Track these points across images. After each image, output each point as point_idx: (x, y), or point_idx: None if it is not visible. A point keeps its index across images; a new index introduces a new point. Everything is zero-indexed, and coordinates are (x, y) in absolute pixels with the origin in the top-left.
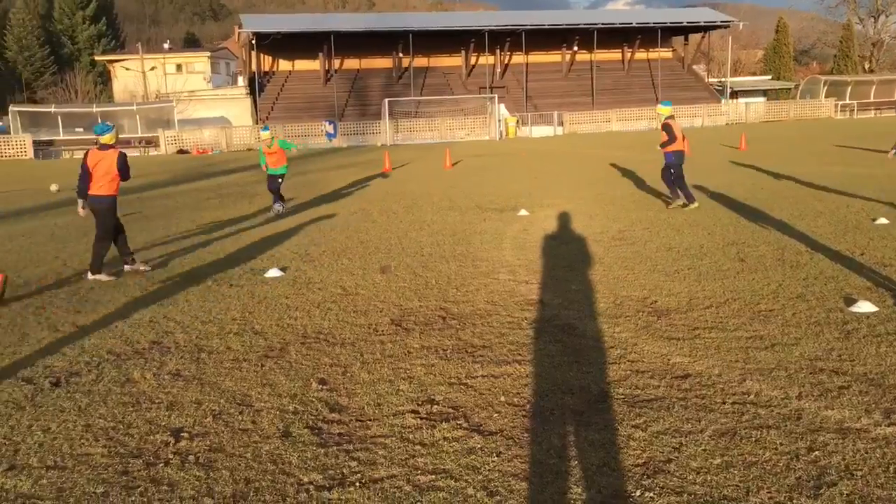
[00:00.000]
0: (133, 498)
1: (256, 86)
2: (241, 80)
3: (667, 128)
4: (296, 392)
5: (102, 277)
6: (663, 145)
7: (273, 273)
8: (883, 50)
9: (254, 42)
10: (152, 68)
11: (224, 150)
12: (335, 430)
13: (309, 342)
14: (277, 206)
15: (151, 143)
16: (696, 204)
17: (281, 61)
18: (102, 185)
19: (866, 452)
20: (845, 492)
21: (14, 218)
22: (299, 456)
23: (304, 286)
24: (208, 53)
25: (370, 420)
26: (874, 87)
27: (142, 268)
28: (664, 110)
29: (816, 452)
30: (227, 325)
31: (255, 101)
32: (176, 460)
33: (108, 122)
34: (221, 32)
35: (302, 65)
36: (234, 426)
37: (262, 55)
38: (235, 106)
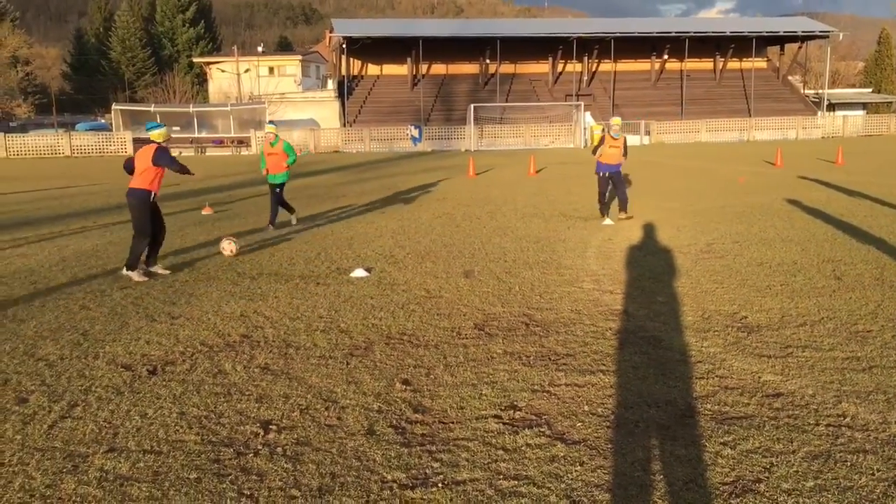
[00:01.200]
0: (224, 485)
1: (345, 89)
2: (331, 83)
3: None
4: (380, 391)
5: (135, 276)
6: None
7: (359, 273)
8: None
9: (344, 46)
10: (246, 70)
11: (312, 152)
12: (418, 431)
13: (393, 342)
14: (271, 228)
15: (244, 143)
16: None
17: (370, 65)
18: (138, 179)
19: None
20: None
21: (116, 211)
22: (383, 454)
23: (388, 287)
24: (299, 57)
25: (453, 423)
26: None
27: (160, 271)
28: (617, 121)
29: None
30: (314, 322)
31: (343, 104)
32: (265, 451)
33: (161, 123)
34: (312, 36)
35: (390, 69)
36: (320, 421)
37: (351, 59)
38: (324, 108)
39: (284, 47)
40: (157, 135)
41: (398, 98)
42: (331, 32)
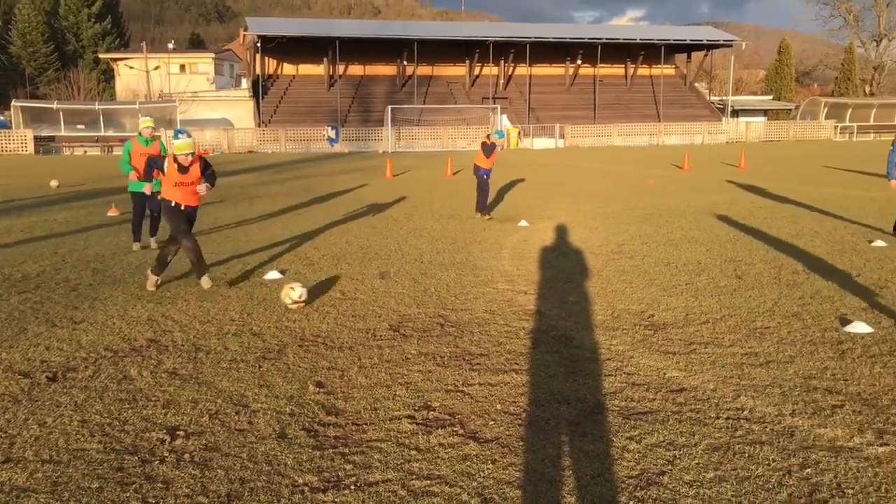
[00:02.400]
0: (127, 494)
1: (260, 88)
2: (245, 83)
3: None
4: (293, 394)
5: (150, 283)
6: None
7: (272, 275)
8: (884, 74)
9: (258, 45)
10: (156, 68)
11: (226, 152)
12: (331, 433)
13: (307, 345)
14: (137, 246)
15: None
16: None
17: (285, 65)
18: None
19: (858, 471)
20: None
21: (14, 213)
22: (295, 457)
23: (312, 294)
24: (212, 55)
25: (367, 424)
26: (874, 110)
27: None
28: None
29: (809, 470)
30: (226, 325)
31: (258, 104)
32: (171, 458)
33: (183, 129)
34: (226, 34)
35: (306, 69)
36: (230, 426)
37: (266, 58)
38: (238, 108)
39: (197, 45)
40: (179, 146)
41: (315, 98)
42: (245, 31)
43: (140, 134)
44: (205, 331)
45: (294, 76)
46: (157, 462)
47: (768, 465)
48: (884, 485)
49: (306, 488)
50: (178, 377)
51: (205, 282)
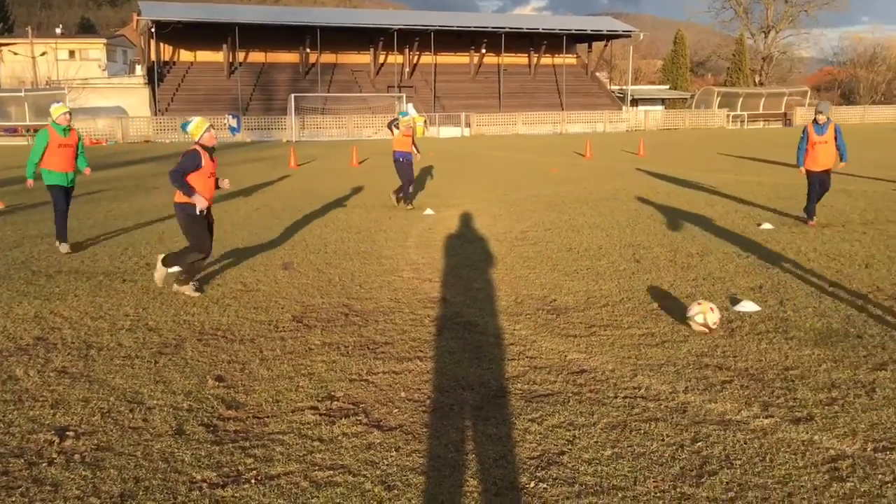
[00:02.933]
0: (13, 499)
1: (155, 75)
2: (140, 70)
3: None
4: (191, 389)
5: (188, 290)
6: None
7: (172, 269)
8: (772, 64)
9: (153, 30)
10: (43, 53)
11: (120, 141)
12: (231, 428)
13: (206, 338)
14: (65, 247)
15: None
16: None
17: (182, 51)
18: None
19: (745, 443)
20: (725, 480)
21: None
22: (193, 454)
23: (202, 282)
24: (104, 40)
25: (268, 417)
26: (763, 99)
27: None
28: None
29: (700, 443)
30: (119, 321)
31: (153, 92)
32: (60, 460)
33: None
34: (119, 19)
35: (204, 56)
36: (123, 424)
37: (161, 44)
38: (132, 96)
39: (87, 30)
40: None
41: (214, 86)
42: (138, 15)
43: (56, 122)
44: (97, 327)
45: (192, 63)
46: (44, 464)
47: (662, 440)
48: (768, 454)
49: (204, 484)
50: (68, 376)
51: (159, 277)
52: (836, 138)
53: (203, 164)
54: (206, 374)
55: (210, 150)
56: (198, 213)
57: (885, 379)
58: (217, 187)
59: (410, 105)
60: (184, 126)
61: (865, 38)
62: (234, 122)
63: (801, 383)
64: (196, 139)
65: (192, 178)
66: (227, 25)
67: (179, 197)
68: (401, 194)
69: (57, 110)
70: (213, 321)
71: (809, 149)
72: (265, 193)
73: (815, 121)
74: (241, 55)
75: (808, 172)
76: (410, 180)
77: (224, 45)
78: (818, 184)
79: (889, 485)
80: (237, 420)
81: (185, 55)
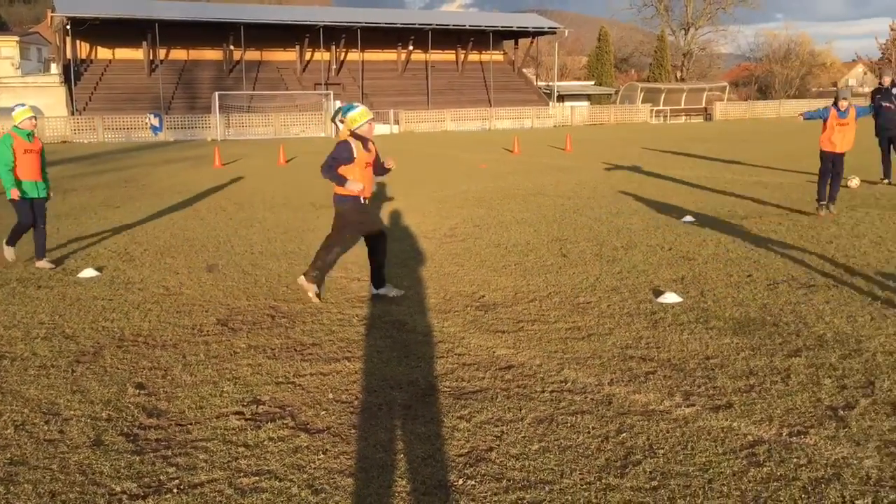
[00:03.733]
0: None
1: (72, 74)
2: (55, 68)
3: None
4: (110, 398)
5: (311, 292)
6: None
7: (87, 273)
8: (693, 60)
9: (69, 27)
10: None
11: None
12: (152, 436)
13: (126, 345)
14: (11, 254)
15: None
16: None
17: (100, 49)
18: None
19: (668, 432)
20: (648, 469)
21: None
22: (112, 465)
23: (122, 287)
24: (17, 38)
25: (191, 424)
26: (685, 94)
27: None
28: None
29: (624, 434)
30: (34, 329)
31: (70, 91)
32: None
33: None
34: (32, 16)
35: (123, 53)
36: (38, 437)
37: (78, 41)
38: (48, 95)
39: None
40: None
41: (134, 84)
42: (52, 12)
43: (18, 127)
44: (10, 336)
45: (110, 61)
46: None
47: (588, 433)
48: (690, 442)
49: (124, 496)
50: None
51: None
52: (855, 118)
53: (356, 155)
54: (126, 382)
55: (364, 141)
56: (362, 201)
57: (799, 365)
58: (383, 172)
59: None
60: (345, 110)
61: (780, 35)
62: (155, 122)
63: (720, 372)
64: (354, 128)
65: (345, 171)
66: (146, 22)
67: (339, 188)
68: None
69: (20, 114)
70: (133, 327)
71: (829, 130)
72: (188, 194)
73: (835, 105)
74: (162, 53)
75: (824, 153)
76: None
77: (144, 43)
78: (831, 164)
79: (803, 468)
80: (158, 428)
81: (104, 53)
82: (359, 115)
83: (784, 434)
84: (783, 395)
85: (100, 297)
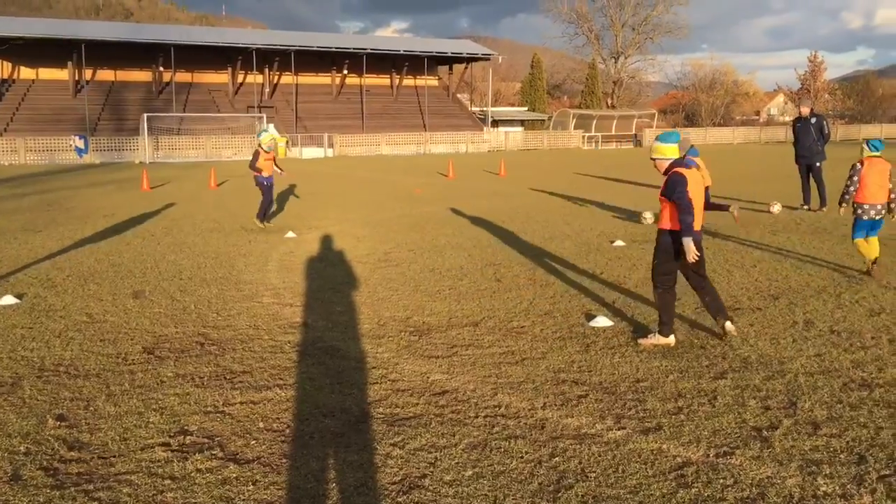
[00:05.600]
0: None
1: None
2: None
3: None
4: (28, 431)
5: (662, 341)
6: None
7: (6, 300)
8: (623, 88)
9: None
10: None
11: None
12: (74, 470)
13: (46, 375)
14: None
15: None
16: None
17: (22, 68)
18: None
19: (600, 455)
20: (580, 493)
21: None
22: (30, 500)
23: (43, 314)
24: None
25: (114, 456)
26: (615, 121)
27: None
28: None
29: (557, 458)
30: None
31: None
32: None
33: (672, 131)
34: None
35: (47, 73)
36: None
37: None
38: None
39: None
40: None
41: (59, 105)
42: None
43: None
44: None
45: (34, 81)
46: None
47: (521, 457)
48: (621, 465)
49: None
50: None
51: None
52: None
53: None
54: (46, 414)
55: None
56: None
57: (725, 387)
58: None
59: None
60: (671, 137)
61: (705, 65)
62: (80, 143)
63: (650, 394)
64: (672, 156)
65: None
66: (72, 42)
67: (665, 222)
68: (261, 217)
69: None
70: (54, 356)
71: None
72: (114, 218)
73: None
74: (88, 73)
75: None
76: (270, 201)
77: (69, 63)
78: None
79: (730, 488)
80: (80, 461)
81: (26, 72)
82: (679, 144)
83: (711, 455)
84: (710, 416)
85: (19, 325)
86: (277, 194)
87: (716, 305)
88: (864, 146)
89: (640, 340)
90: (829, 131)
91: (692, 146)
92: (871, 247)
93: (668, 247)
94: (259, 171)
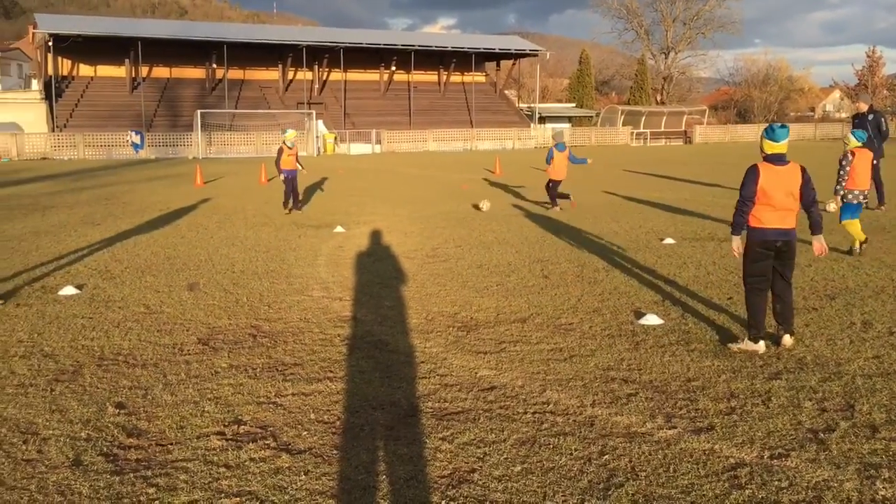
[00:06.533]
0: None
1: (53, 90)
2: (36, 84)
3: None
4: (89, 417)
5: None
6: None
7: (68, 291)
8: (673, 84)
9: (50, 44)
10: None
11: (14, 159)
12: (132, 456)
13: (106, 364)
14: None
15: None
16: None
17: (81, 65)
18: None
19: (650, 454)
20: (631, 492)
21: None
22: (91, 485)
23: (102, 305)
24: None
25: (171, 444)
26: (665, 117)
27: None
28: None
29: (606, 456)
30: (12, 347)
31: (51, 107)
32: None
33: (778, 125)
34: (14, 32)
35: (105, 70)
36: (16, 457)
37: (59, 58)
38: (29, 111)
39: None
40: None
41: (116, 102)
42: (34, 29)
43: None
44: None
45: (92, 78)
46: None
47: (571, 454)
48: (672, 465)
49: None
50: None
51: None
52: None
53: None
54: (106, 402)
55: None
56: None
57: (779, 388)
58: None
59: (320, 122)
60: (776, 134)
61: (758, 60)
62: (136, 139)
63: (702, 394)
64: (767, 150)
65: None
66: (129, 40)
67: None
68: (290, 205)
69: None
70: (113, 346)
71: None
72: (169, 212)
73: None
74: (144, 70)
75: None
76: (290, 192)
77: (126, 60)
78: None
79: (785, 490)
80: (139, 448)
81: (85, 70)
82: (288, 136)
83: (765, 457)
84: (764, 417)
85: (80, 316)
86: (324, 189)
87: (784, 315)
88: (851, 137)
89: (730, 345)
90: (888, 128)
91: (561, 141)
92: (851, 227)
93: (756, 245)
94: (282, 166)
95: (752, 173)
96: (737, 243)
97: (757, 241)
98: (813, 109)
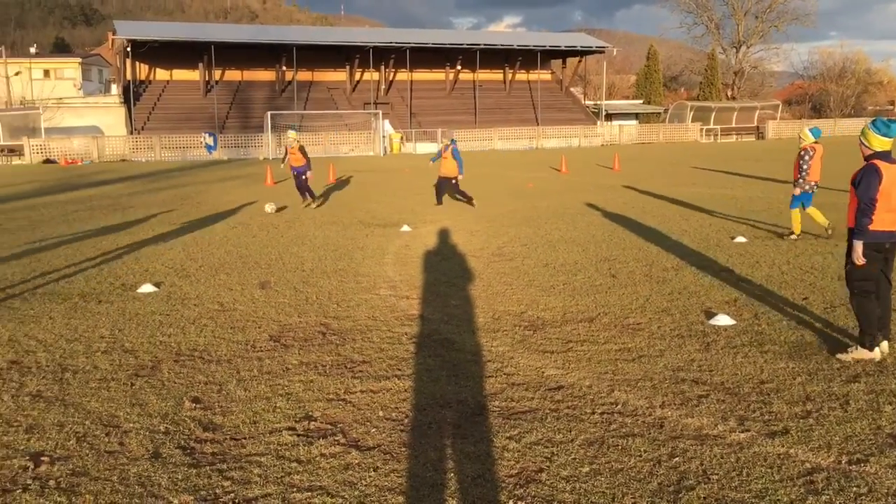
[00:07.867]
0: None
1: (131, 94)
2: (115, 88)
3: (302, 150)
4: (167, 411)
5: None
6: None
7: (146, 289)
8: (744, 79)
9: (129, 49)
10: (17, 73)
11: (96, 161)
12: (208, 450)
13: (182, 360)
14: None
15: (15, 151)
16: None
17: (158, 70)
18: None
19: (722, 457)
20: (703, 495)
21: None
22: (170, 477)
23: (178, 302)
24: (79, 59)
25: (245, 438)
26: (736, 113)
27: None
28: (293, 134)
29: (677, 458)
30: (95, 343)
31: (129, 110)
32: (35, 486)
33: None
34: (94, 38)
35: (180, 74)
36: (99, 448)
37: (137, 63)
38: (108, 115)
39: (62, 49)
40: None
41: (190, 104)
42: (114, 35)
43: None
44: (72, 349)
45: (168, 81)
46: (19, 490)
47: (640, 456)
48: (745, 469)
49: None
50: (43, 399)
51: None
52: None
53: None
54: (183, 396)
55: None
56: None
57: (858, 391)
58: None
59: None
60: (884, 128)
61: (834, 53)
62: (210, 141)
63: (776, 397)
64: (877, 147)
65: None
66: (203, 44)
67: (853, 219)
68: (308, 198)
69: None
70: (189, 342)
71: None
72: (240, 212)
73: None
74: (217, 73)
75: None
76: (300, 186)
77: (200, 64)
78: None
79: (863, 497)
80: (214, 442)
81: (161, 74)
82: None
83: (843, 462)
84: (842, 421)
85: (157, 312)
86: (390, 189)
87: (883, 321)
88: (808, 133)
89: (839, 356)
90: None
91: (453, 139)
92: (815, 215)
93: (867, 248)
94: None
95: (874, 174)
96: (861, 249)
97: (870, 244)
98: (892, 103)
